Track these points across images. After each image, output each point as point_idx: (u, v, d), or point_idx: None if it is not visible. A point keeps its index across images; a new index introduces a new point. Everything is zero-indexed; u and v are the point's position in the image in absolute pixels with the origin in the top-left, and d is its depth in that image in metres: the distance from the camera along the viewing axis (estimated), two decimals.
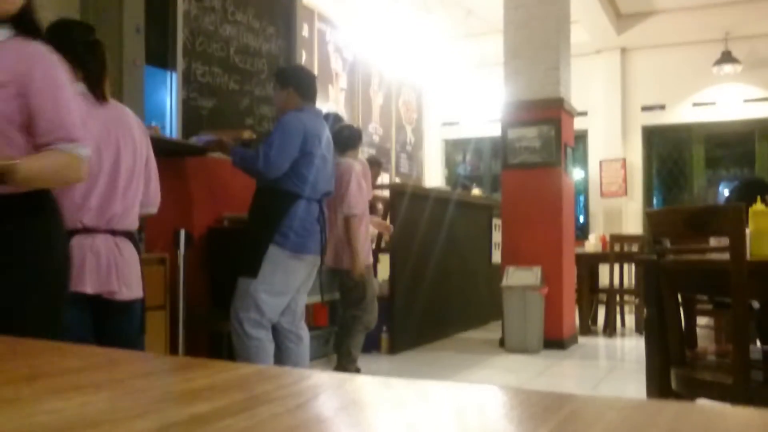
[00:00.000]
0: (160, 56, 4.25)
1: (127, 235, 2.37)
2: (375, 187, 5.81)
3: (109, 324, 2.34)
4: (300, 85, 3.50)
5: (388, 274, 5.60)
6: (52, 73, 1.84)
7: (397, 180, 8.89)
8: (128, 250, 2.36)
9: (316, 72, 7.27)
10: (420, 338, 5.78)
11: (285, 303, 3.37)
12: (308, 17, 7.03)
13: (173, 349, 3.40)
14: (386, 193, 5.81)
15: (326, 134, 3.54)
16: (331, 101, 7.62)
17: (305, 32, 6.81)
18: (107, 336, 2.33)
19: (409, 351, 5.52)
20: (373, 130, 8.64)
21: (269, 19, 5.12)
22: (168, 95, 4.33)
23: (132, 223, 2.39)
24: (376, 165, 5.81)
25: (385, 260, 5.68)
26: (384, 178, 8.31)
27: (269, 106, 5.07)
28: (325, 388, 0.48)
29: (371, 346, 5.46)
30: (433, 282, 5.95)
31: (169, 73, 4.33)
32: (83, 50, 2.32)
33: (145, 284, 2.44)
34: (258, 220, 3.38)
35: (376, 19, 7.40)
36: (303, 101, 3.46)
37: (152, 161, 2.54)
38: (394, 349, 5.41)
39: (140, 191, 2.45)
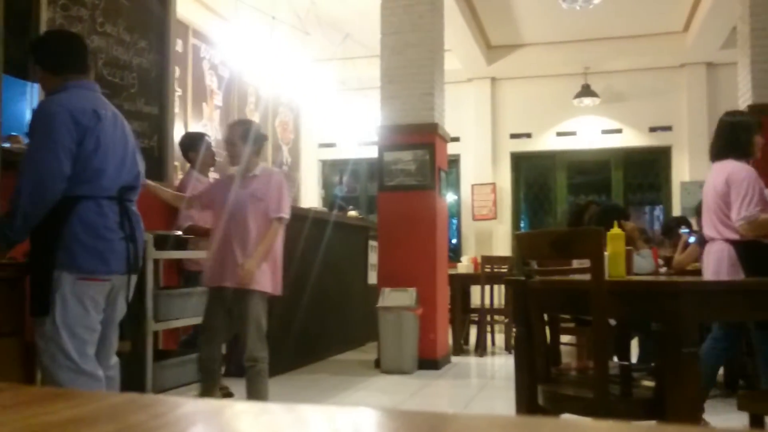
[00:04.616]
0: (20, 66, 3.99)
1: None
2: None
3: None
4: (51, 57, 2.73)
5: None
6: None
7: None
8: None
9: (189, 89, 7.09)
10: (296, 361, 5.71)
11: (95, 338, 2.70)
12: (183, 32, 6.85)
13: (29, 379, 3.15)
14: None
15: (112, 110, 2.75)
16: (205, 119, 7.45)
17: (179, 47, 6.63)
18: None
19: (285, 374, 5.43)
20: None
21: (141, 32, 4.94)
22: (28, 107, 4.07)
23: None
24: None
25: None
26: None
27: (140, 122, 4.88)
28: (202, 416, 0.46)
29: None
30: (310, 304, 5.90)
31: (29, 85, 4.08)
32: None
33: None
34: (35, 241, 2.62)
35: (253, 37, 7.33)
36: (64, 76, 2.69)
37: None
38: (270, 372, 5.30)
39: None
